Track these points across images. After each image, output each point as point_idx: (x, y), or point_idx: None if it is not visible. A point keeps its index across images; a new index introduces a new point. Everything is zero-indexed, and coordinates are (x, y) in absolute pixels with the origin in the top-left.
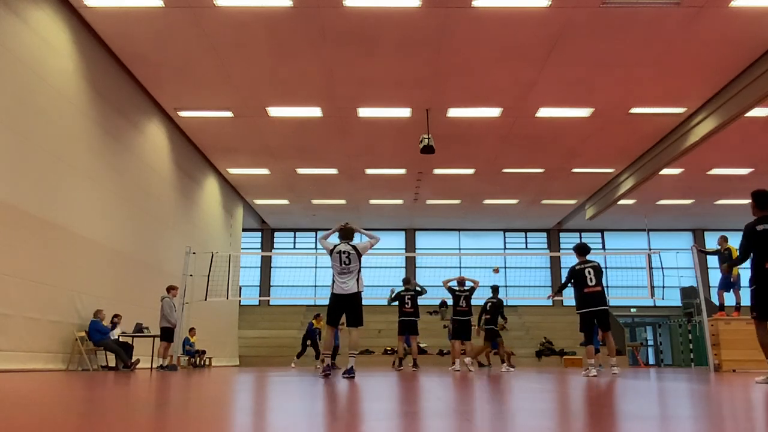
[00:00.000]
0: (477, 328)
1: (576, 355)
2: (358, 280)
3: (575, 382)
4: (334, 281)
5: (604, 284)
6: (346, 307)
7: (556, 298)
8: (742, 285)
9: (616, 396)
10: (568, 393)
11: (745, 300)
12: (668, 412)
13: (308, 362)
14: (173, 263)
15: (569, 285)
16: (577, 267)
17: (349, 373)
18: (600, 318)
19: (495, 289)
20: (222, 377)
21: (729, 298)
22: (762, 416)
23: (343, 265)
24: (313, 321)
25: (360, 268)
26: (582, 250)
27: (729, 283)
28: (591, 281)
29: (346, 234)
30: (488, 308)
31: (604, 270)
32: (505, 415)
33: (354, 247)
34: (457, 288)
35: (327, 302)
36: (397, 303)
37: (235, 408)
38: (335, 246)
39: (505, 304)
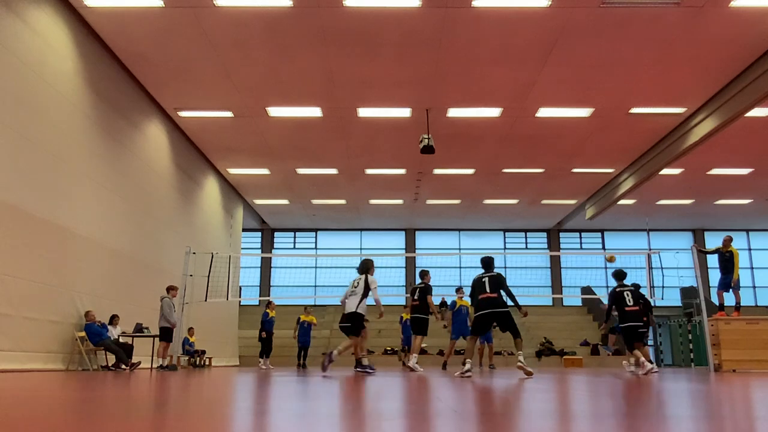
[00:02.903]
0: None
1: (576, 355)
2: (359, 303)
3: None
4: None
5: (607, 285)
6: (347, 322)
7: (556, 296)
8: (741, 285)
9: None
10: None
11: (745, 300)
12: (673, 411)
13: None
14: (173, 263)
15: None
16: (618, 290)
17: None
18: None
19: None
20: (222, 377)
21: (729, 298)
22: (762, 416)
23: (352, 288)
24: (302, 315)
25: (364, 294)
26: (620, 276)
27: (728, 283)
28: (630, 302)
29: (360, 266)
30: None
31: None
32: None
33: (366, 278)
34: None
35: (327, 302)
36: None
37: (235, 408)
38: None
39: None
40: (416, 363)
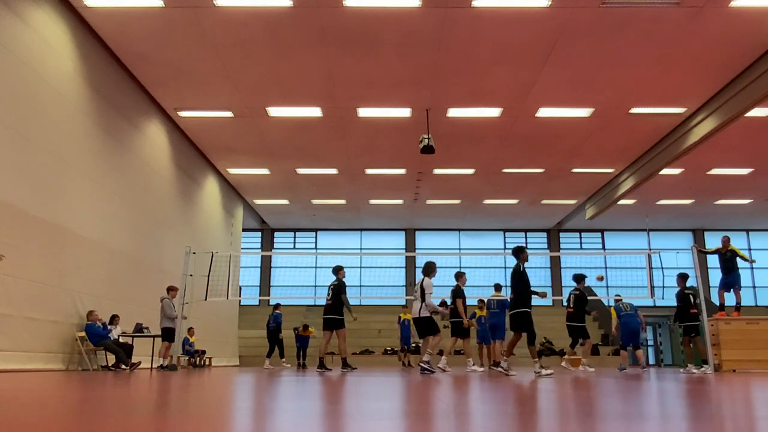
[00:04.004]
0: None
1: (576, 356)
2: (421, 307)
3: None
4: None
5: (606, 284)
6: (416, 326)
7: (556, 298)
8: (742, 285)
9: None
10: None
11: (745, 300)
12: (668, 411)
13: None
14: (173, 263)
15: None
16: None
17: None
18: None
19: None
20: (222, 377)
21: (729, 298)
22: (762, 416)
23: (414, 291)
24: (300, 331)
25: (421, 296)
26: (578, 278)
27: (729, 283)
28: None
29: (423, 269)
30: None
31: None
32: None
33: (422, 282)
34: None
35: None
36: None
37: (236, 408)
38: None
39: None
40: (474, 365)
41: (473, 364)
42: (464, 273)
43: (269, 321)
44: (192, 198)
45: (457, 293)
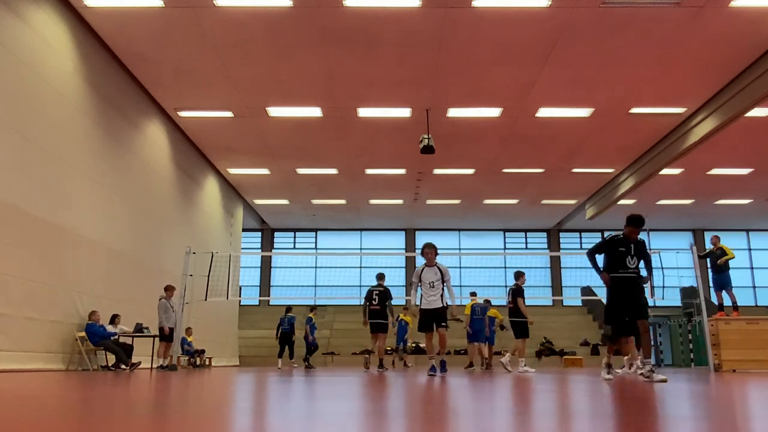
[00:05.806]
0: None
1: (576, 355)
2: (442, 296)
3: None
4: (422, 298)
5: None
6: (434, 317)
7: (556, 297)
8: (741, 285)
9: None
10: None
11: (745, 300)
12: (669, 411)
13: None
14: (173, 263)
15: None
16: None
17: (433, 371)
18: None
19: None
20: (222, 377)
21: (727, 299)
22: (762, 416)
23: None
24: (311, 315)
25: (443, 288)
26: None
27: (721, 284)
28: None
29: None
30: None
31: None
32: None
33: (440, 269)
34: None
35: (327, 302)
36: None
37: (236, 408)
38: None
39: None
40: (525, 366)
41: (525, 365)
42: (524, 273)
43: (282, 322)
44: (192, 198)
45: (516, 292)
